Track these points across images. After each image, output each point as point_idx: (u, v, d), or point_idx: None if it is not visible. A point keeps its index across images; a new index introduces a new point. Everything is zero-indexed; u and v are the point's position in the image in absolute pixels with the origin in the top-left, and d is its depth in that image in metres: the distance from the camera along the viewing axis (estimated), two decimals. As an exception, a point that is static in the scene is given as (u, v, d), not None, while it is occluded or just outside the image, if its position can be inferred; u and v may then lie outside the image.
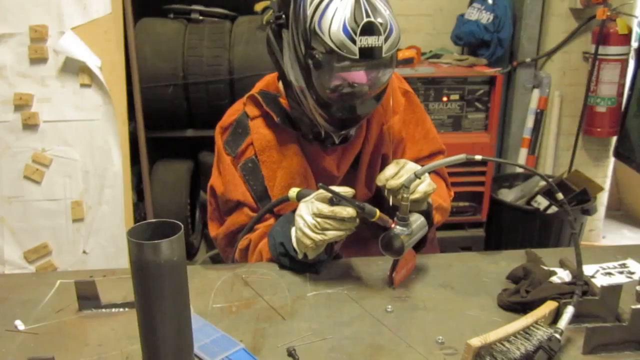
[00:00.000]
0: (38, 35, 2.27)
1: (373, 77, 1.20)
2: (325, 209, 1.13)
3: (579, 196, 2.72)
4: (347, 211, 1.12)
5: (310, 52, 1.16)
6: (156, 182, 2.79)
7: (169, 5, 2.80)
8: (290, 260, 1.25)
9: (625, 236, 3.51)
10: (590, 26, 3.02)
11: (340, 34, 1.11)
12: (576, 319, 1.04)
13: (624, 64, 2.93)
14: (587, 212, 2.69)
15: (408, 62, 2.69)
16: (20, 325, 1.06)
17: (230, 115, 1.42)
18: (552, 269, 1.20)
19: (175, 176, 2.88)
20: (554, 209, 2.67)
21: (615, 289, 1.05)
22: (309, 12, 1.15)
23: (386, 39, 1.14)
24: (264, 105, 1.35)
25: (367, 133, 1.39)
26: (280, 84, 1.38)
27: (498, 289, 1.17)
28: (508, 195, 2.95)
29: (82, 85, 2.32)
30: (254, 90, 1.41)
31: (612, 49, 2.87)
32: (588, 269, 1.25)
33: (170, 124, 2.76)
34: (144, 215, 2.79)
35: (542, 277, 1.14)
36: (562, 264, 1.26)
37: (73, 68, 2.30)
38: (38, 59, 2.28)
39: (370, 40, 1.12)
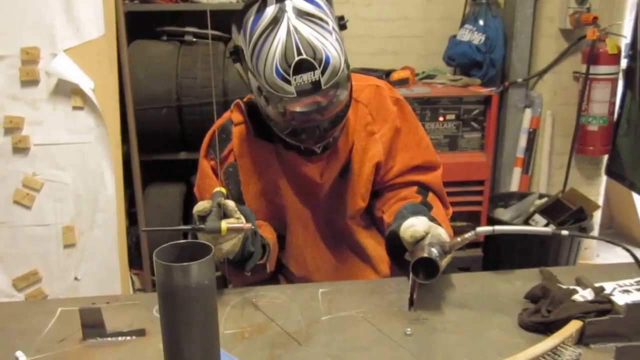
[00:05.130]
0: (29, 57, 2.22)
1: (325, 102, 1.18)
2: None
3: (576, 215, 2.72)
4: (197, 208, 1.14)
5: (258, 89, 1.19)
6: (149, 206, 2.72)
7: (161, 27, 2.77)
8: (228, 262, 1.24)
9: (619, 254, 3.49)
10: (579, 46, 3.06)
11: (274, 76, 1.13)
12: (601, 338, 1.02)
13: (614, 83, 2.97)
14: (585, 230, 2.69)
15: (403, 82, 2.70)
16: (21, 356, 1.01)
17: (219, 121, 1.44)
18: (571, 287, 1.17)
19: (168, 199, 2.82)
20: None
21: (641, 307, 1.02)
22: (249, 52, 1.17)
23: (323, 71, 1.13)
24: (245, 115, 1.37)
25: (355, 142, 1.38)
26: None
27: (516, 309, 1.15)
28: (504, 215, 2.93)
29: (75, 108, 2.27)
30: (246, 98, 1.43)
31: (603, 69, 2.91)
32: (605, 287, 1.22)
33: (163, 147, 2.72)
34: (135, 240, 2.72)
35: (562, 296, 1.11)
36: (579, 282, 1.24)
37: (65, 90, 2.25)
38: (29, 81, 2.23)
39: (305, 77, 1.12)
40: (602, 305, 1.05)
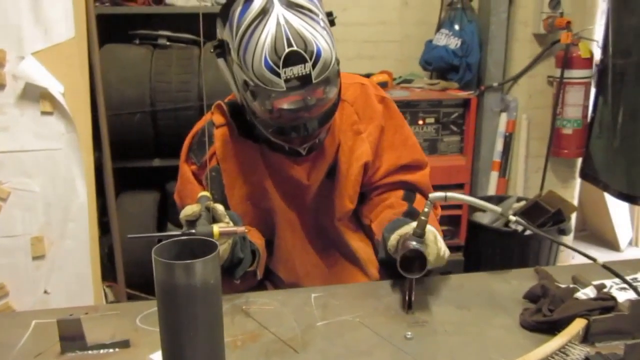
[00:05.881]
0: (-5, 61, 2.12)
1: (315, 98, 1.14)
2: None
3: (554, 217, 2.73)
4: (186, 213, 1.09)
5: (244, 84, 1.13)
6: (122, 215, 2.63)
7: (134, 30, 2.70)
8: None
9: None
10: (553, 51, 3.09)
11: (263, 69, 1.08)
12: (606, 336, 0.99)
13: (588, 86, 3.01)
14: (564, 232, 2.70)
15: (382, 86, 2.66)
16: (-6, 373, 0.92)
17: (199, 123, 1.39)
18: (570, 285, 1.15)
19: (142, 208, 2.73)
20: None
21: (645, 303, 1.00)
22: (236, 44, 1.11)
23: (314, 64, 1.08)
24: (227, 116, 1.32)
25: (341, 142, 1.34)
26: None
27: (516, 309, 1.12)
28: (483, 218, 2.93)
29: (44, 113, 2.17)
30: (227, 99, 1.38)
31: (576, 72, 2.94)
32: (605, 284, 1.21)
33: (136, 153, 2.63)
34: (108, 251, 2.63)
35: (563, 294, 1.09)
36: (576, 281, 1.22)
37: (33, 95, 2.15)
38: (-5, 86, 2.13)
39: (295, 70, 1.07)
40: (606, 302, 1.03)
